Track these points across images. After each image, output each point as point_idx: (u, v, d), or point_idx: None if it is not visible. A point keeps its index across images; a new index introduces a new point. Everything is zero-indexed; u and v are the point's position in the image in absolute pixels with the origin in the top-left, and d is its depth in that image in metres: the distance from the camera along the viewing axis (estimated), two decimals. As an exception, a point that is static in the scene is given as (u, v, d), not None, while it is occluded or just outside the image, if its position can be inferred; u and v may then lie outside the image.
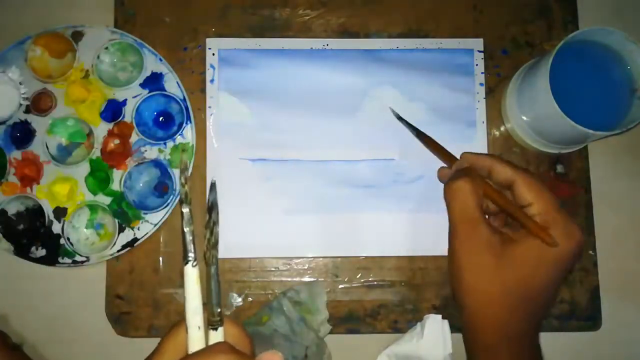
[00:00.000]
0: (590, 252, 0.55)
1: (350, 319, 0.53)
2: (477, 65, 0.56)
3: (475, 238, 0.41)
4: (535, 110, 0.52)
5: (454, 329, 0.53)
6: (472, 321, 0.42)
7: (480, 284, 0.41)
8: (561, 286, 0.44)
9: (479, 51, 0.56)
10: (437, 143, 0.50)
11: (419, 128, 0.52)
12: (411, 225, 0.55)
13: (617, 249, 0.56)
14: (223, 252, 0.54)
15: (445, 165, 0.51)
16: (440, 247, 0.53)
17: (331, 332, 0.52)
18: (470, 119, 0.56)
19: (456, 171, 0.45)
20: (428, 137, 0.51)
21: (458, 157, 0.48)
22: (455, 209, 0.42)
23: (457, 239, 0.42)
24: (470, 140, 0.56)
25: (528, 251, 0.40)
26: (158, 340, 0.52)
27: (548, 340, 0.54)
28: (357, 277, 0.54)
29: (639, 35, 0.49)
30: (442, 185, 0.54)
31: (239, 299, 0.54)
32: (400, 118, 0.54)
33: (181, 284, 0.53)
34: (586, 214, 0.55)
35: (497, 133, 0.56)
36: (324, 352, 0.51)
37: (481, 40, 0.57)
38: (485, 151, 0.55)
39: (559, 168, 0.56)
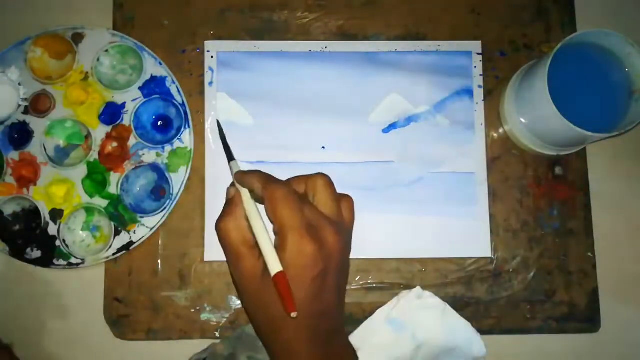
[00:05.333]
0: (589, 254, 0.55)
1: (349, 322, 0.53)
2: (475, 67, 0.57)
3: (240, 272, 0.42)
4: (534, 113, 0.52)
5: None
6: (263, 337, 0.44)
7: (251, 309, 0.43)
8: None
9: (478, 53, 0.57)
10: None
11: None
12: (410, 228, 0.54)
13: (615, 251, 0.56)
14: (222, 254, 0.53)
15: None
16: (439, 249, 0.54)
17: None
18: (468, 121, 0.56)
19: (225, 203, 0.45)
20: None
21: None
22: (224, 247, 0.43)
23: (233, 270, 0.43)
24: (468, 142, 0.56)
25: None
26: (157, 343, 0.53)
27: (547, 342, 0.54)
28: (356, 279, 0.54)
29: (637, 37, 0.49)
30: (441, 187, 0.55)
31: (238, 302, 0.53)
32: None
33: (180, 287, 0.53)
34: (585, 215, 0.55)
35: (495, 135, 0.56)
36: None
37: (479, 42, 0.57)
38: (483, 154, 0.56)
39: (557, 170, 0.56)
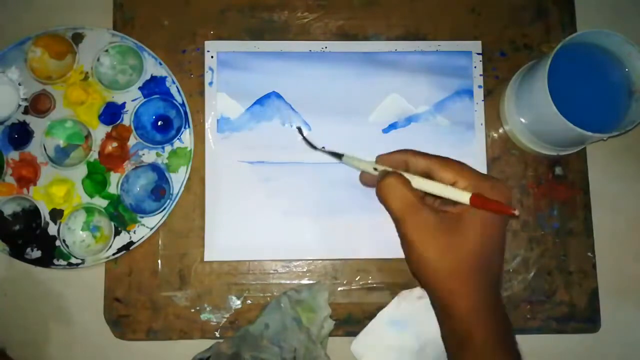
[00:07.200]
0: (589, 253, 0.55)
1: (349, 322, 0.53)
2: (475, 67, 0.57)
3: (422, 223, 0.43)
4: (534, 113, 0.52)
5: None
6: (443, 298, 0.43)
7: (440, 263, 0.42)
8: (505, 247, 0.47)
9: (477, 53, 0.57)
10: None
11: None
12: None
13: (615, 251, 0.56)
14: (222, 254, 0.54)
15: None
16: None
17: (330, 335, 0.52)
18: (468, 121, 0.56)
19: (382, 173, 0.47)
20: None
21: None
22: (394, 202, 0.44)
23: (407, 228, 0.44)
24: (468, 142, 0.56)
25: (472, 222, 0.42)
26: (157, 343, 0.53)
27: (547, 342, 0.54)
28: (356, 279, 0.54)
29: (637, 37, 0.49)
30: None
31: (238, 302, 0.53)
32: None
33: (180, 287, 0.53)
34: (585, 215, 0.55)
35: (495, 135, 0.56)
36: (316, 356, 0.50)
37: (479, 42, 0.57)
38: (483, 154, 0.56)
39: (558, 170, 0.56)
